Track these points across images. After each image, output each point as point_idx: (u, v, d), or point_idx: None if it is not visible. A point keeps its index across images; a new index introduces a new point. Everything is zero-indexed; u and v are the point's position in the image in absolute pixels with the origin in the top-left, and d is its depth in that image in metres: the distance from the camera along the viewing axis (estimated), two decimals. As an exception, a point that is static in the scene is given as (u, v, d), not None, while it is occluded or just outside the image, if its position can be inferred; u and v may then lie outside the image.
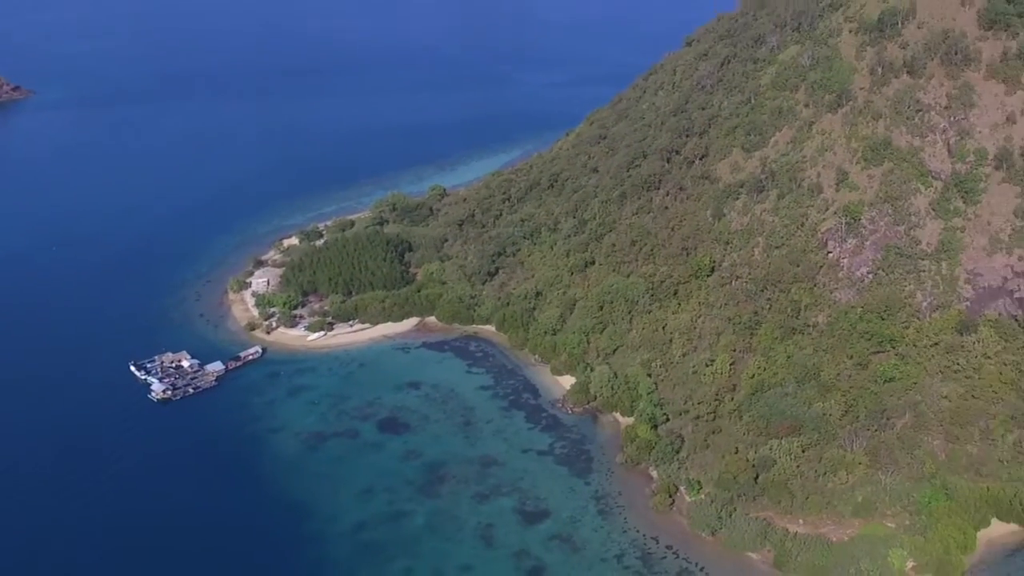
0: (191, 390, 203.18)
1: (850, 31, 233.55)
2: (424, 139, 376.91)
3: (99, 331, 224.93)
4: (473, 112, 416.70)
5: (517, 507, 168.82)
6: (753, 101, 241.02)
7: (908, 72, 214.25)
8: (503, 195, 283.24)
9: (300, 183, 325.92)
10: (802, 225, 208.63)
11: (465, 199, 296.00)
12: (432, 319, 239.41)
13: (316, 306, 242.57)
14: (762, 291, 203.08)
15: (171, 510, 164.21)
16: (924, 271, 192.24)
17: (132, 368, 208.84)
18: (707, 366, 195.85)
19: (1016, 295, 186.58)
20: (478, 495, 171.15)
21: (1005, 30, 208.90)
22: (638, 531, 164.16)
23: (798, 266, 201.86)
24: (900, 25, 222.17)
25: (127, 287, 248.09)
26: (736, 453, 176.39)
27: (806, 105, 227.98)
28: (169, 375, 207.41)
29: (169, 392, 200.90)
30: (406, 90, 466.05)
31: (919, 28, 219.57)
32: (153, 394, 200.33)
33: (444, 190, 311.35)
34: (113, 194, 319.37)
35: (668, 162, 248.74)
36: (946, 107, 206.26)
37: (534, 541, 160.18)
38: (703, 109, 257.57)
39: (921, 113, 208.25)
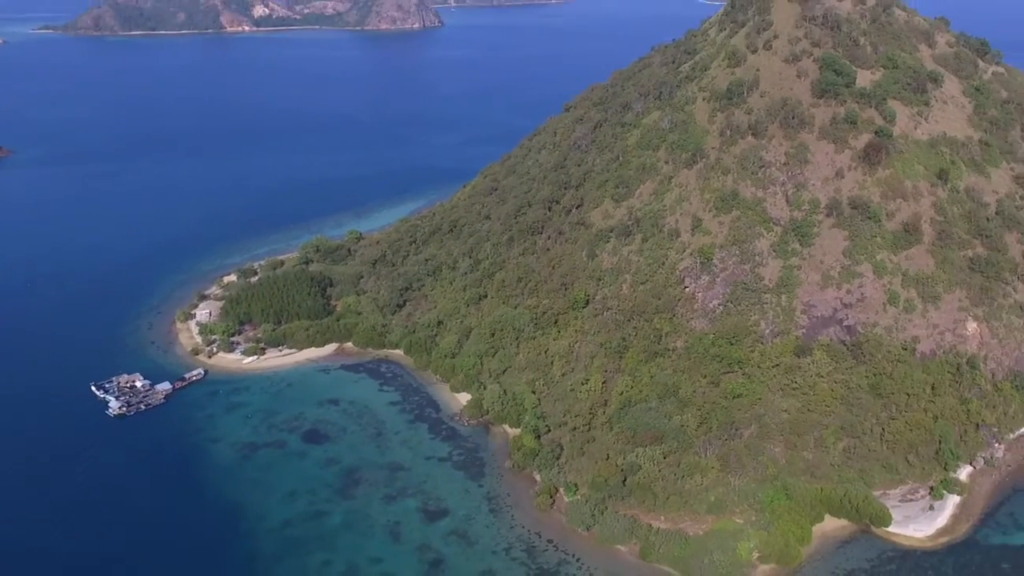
0: (143, 407, 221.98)
1: (703, 99, 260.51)
2: (343, 191, 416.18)
3: (65, 356, 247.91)
4: (385, 168, 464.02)
5: (420, 507, 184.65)
6: (621, 159, 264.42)
7: (752, 134, 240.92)
8: (410, 238, 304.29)
9: (239, 228, 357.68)
10: (663, 264, 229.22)
11: (378, 241, 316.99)
12: (349, 345, 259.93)
13: (251, 334, 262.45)
14: (629, 320, 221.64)
15: (124, 509, 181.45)
16: (767, 303, 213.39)
17: (92, 388, 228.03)
18: (583, 384, 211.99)
19: (844, 323, 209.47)
20: (387, 496, 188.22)
21: (834, 98, 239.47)
22: (524, 527, 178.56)
23: (660, 299, 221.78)
24: (745, 94, 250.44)
25: (90, 318, 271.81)
26: (607, 459, 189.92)
27: (666, 162, 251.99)
28: (124, 394, 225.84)
29: (124, 409, 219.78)
30: (329, 150, 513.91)
31: (761, 96, 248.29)
32: (110, 410, 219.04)
33: (360, 234, 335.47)
34: (80, 238, 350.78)
35: (549, 210, 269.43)
36: (784, 163, 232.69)
37: (435, 536, 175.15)
38: (579, 165, 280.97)
39: (764, 169, 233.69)
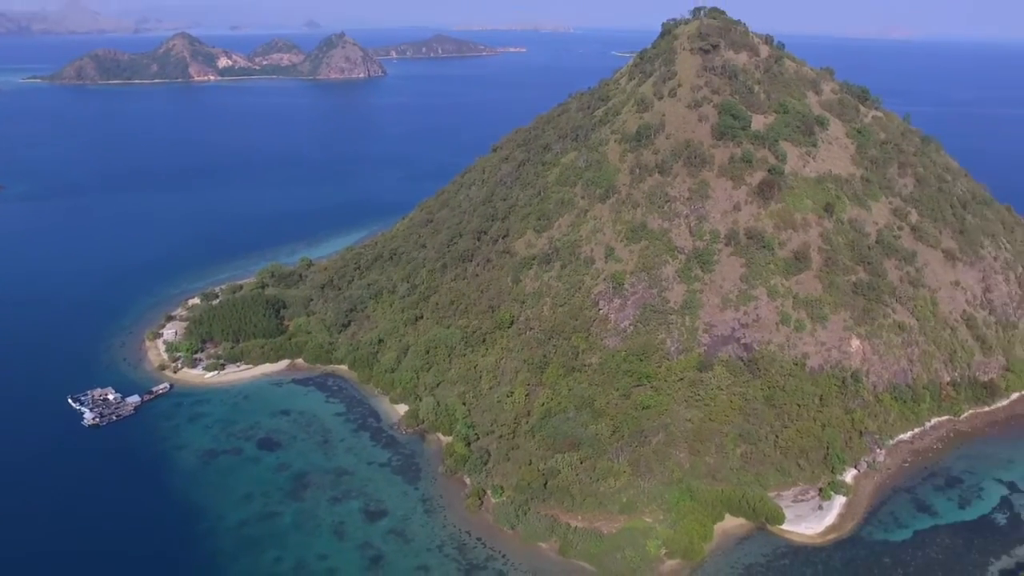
0: (115, 417, 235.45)
1: (615, 141, 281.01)
2: (296, 222, 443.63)
3: (44, 370, 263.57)
4: (333, 202, 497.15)
5: (363, 508, 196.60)
6: (542, 194, 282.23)
7: (659, 172, 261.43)
8: (355, 265, 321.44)
9: (203, 256, 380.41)
10: (579, 288, 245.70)
11: (326, 268, 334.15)
12: (300, 361, 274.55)
13: (212, 351, 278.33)
14: (549, 339, 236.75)
15: (96, 509, 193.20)
16: (672, 323, 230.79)
17: (69, 400, 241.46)
18: (508, 396, 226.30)
19: (742, 341, 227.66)
20: (333, 498, 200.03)
21: (732, 140, 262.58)
22: (455, 526, 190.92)
23: (576, 320, 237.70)
24: (653, 136, 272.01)
25: (68, 336, 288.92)
26: (530, 464, 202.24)
27: (582, 197, 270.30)
28: (98, 406, 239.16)
29: (97, 419, 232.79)
30: (283, 184, 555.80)
31: (667, 138, 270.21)
32: (85, 421, 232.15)
33: (310, 261, 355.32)
34: (62, 264, 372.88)
35: (479, 240, 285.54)
36: (688, 198, 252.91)
37: (376, 534, 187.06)
38: (504, 200, 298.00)
39: (669, 203, 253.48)
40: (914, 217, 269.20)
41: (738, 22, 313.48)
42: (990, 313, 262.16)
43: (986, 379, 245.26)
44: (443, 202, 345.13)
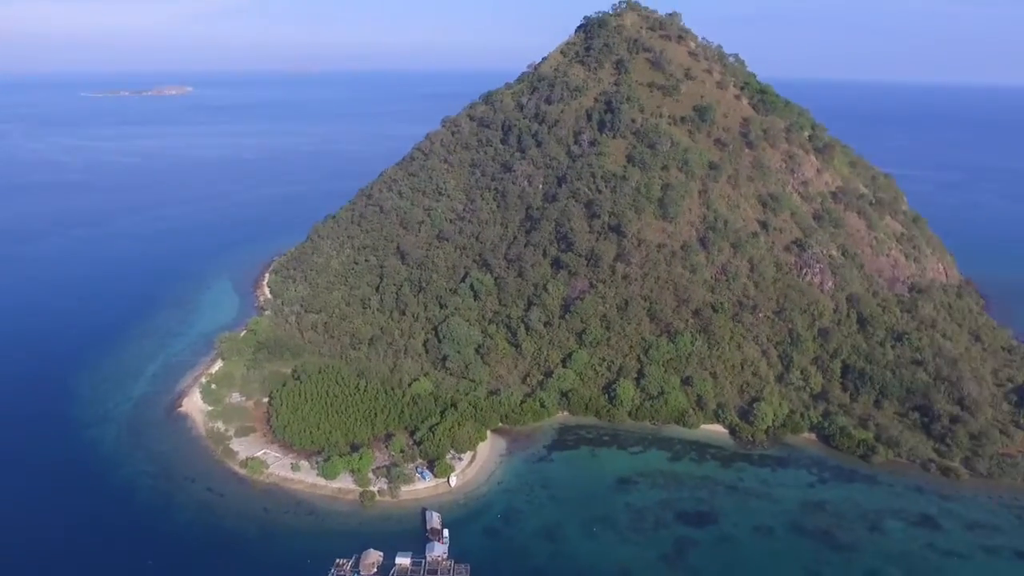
0: None
1: (668, 123, 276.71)
2: None
3: None
4: None
5: None
6: (618, 182, 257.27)
7: (748, 146, 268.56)
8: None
9: None
10: (771, 262, 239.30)
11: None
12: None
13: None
14: (778, 315, 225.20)
15: None
16: (853, 277, 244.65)
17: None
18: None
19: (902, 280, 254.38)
20: None
21: (774, 112, 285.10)
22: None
23: (800, 291, 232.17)
24: (712, 114, 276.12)
25: None
26: None
27: (688, 178, 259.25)
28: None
29: None
30: None
31: (725, 116, 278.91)
32: None
33: None
34: None
35: (601, 238, 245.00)
36: (780, 167, 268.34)
37: None
38: (573, 196, 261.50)
39: (773, 174, 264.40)
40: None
41: (673, 13, 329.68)
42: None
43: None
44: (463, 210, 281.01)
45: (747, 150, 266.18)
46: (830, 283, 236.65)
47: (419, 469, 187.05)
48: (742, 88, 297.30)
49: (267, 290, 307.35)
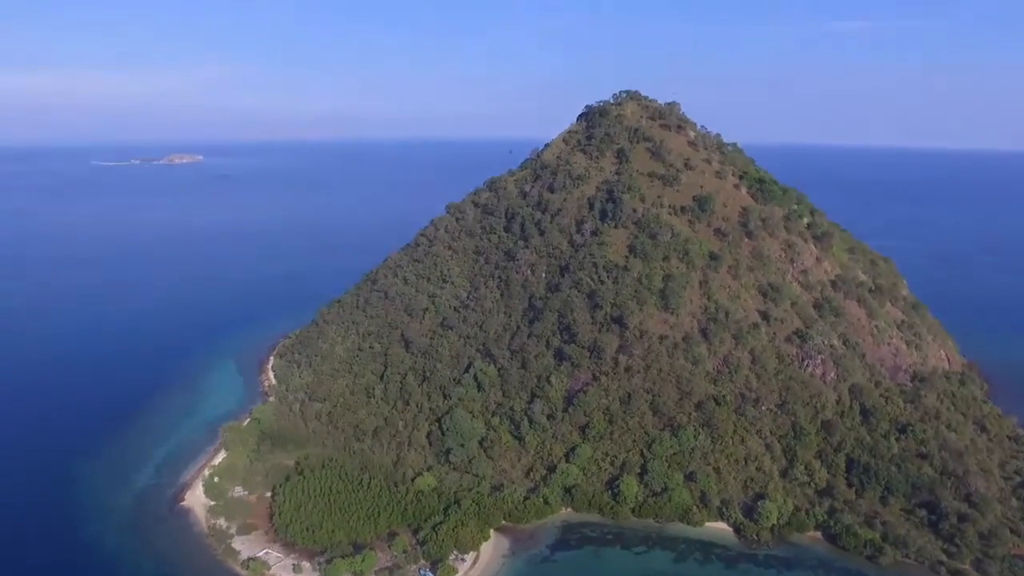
0: None
1: (669, 213, 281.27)
2: None
3: None
4: None
5: None
6: (618, 273, 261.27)
7: (747, 236, 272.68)
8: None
9: None
10: (774, 354, 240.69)
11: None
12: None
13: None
14: (781, 407, 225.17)
15: None
16: (854, 367, 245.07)
17: None
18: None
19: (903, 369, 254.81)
20: None
21: (772, 200, 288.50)
22: None
23: (801, 383, 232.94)
24: (712, 205, 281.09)
25: None
26: None
27: (689, 269, 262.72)
28: None
29: None
30: None
31: (724, 206, 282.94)
32: None
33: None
34: None
35: (602, 330, 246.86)
36: (780, 256, 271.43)
37: None
38: (575, 286, 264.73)
39: (773, 263, 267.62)
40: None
41: (673, 103, 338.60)
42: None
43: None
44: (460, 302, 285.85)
45: (747, 240, 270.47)
46: (832, 374, 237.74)
47: (422, 571, 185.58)
48: (741, 177, 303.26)
49: (272, 375, 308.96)
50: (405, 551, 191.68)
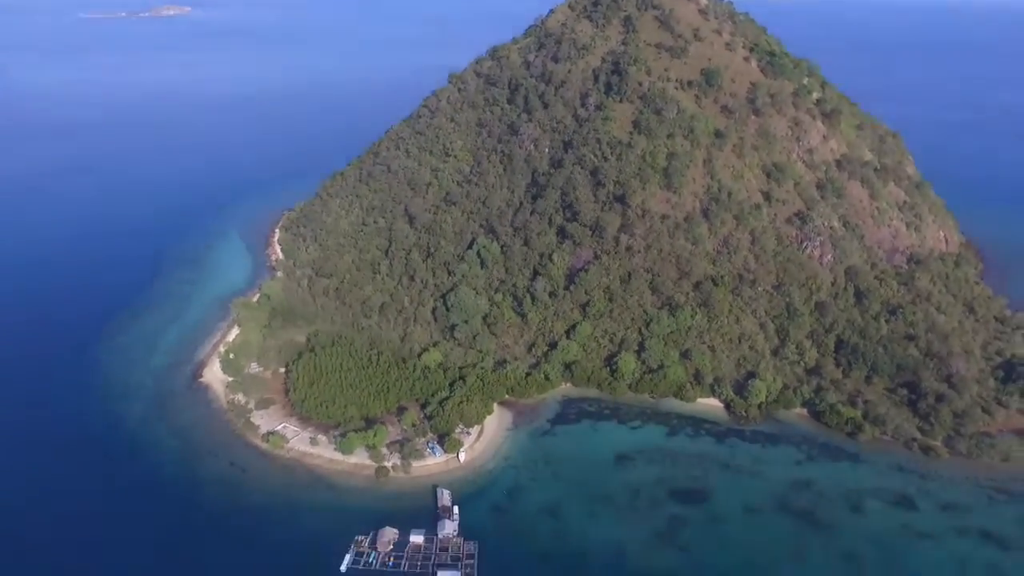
0: None
1: (676, 87, 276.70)
2: None
3: None
4: None
5: None
6: (623, 149, 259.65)
7: (754, 113, 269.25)
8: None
9: None
10: (773, 235, 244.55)
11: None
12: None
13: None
14: (778, 289, 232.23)
15: None
16: (853, 249, 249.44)
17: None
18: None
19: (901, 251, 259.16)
20: None
21: (783, 75, 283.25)
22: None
23: (798, 265, 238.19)
24: (720, 79, 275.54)
25: None
26: None
27: (693, 146, 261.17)
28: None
29: None
30: None
31: (733, 81, 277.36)
32: None
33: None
34: None
35: (605, 208, 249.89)
36: (787, 135, 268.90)
37: None
38: (578, 163, 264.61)
39: (779, 141, 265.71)
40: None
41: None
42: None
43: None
44: (466, 176, 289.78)
45: (753, 117, 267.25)
46: (829, 256, 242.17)
47: (430, 444, 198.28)
48: (751, 50, 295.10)
49: (278, 249, 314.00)
50: (414, 425, 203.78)
